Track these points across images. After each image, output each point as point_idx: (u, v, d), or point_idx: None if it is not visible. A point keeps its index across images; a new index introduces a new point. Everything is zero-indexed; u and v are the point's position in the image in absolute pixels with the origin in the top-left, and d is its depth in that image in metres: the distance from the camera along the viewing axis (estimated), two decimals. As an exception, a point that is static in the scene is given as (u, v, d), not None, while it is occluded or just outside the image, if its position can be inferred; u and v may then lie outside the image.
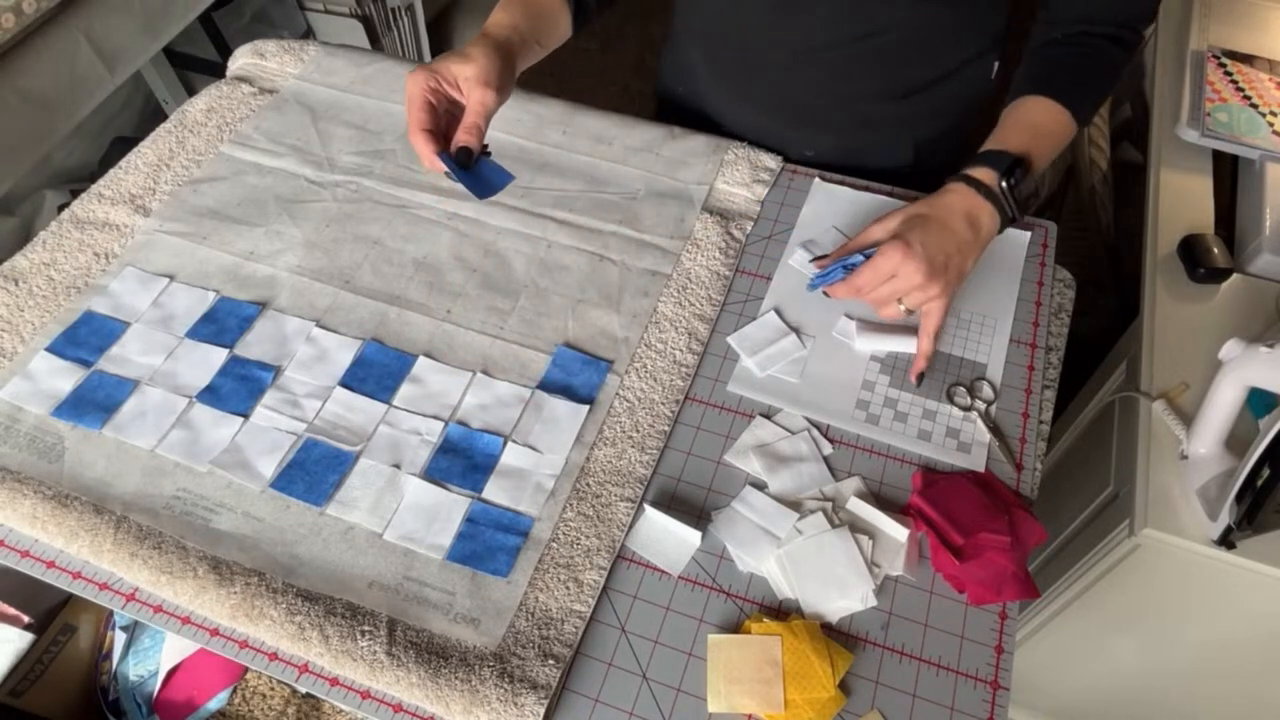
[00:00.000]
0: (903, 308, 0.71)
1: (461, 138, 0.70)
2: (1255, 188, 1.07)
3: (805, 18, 0.81)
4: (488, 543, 0.64)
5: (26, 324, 0.76)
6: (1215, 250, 1.01)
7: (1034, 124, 0.76)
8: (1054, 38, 0.79)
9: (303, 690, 0.65)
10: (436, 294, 0.79)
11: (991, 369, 0.75)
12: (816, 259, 0.78)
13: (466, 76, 0.70)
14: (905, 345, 0.76)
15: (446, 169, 0.70)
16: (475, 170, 0.71)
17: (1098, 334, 1.19)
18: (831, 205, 0.87)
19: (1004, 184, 0.71)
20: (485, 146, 0.72)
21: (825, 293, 0.75)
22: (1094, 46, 0.77)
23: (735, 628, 0.61)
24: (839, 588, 0.62)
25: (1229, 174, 1.13)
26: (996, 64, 0.90)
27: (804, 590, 0.62)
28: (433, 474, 0.68)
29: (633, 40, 2.57)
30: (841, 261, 0.73)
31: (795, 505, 0.66)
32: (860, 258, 0.72)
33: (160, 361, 0.74)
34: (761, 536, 0.65)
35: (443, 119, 0.71)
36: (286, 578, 0.62)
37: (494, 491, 0.67)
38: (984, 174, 0.72)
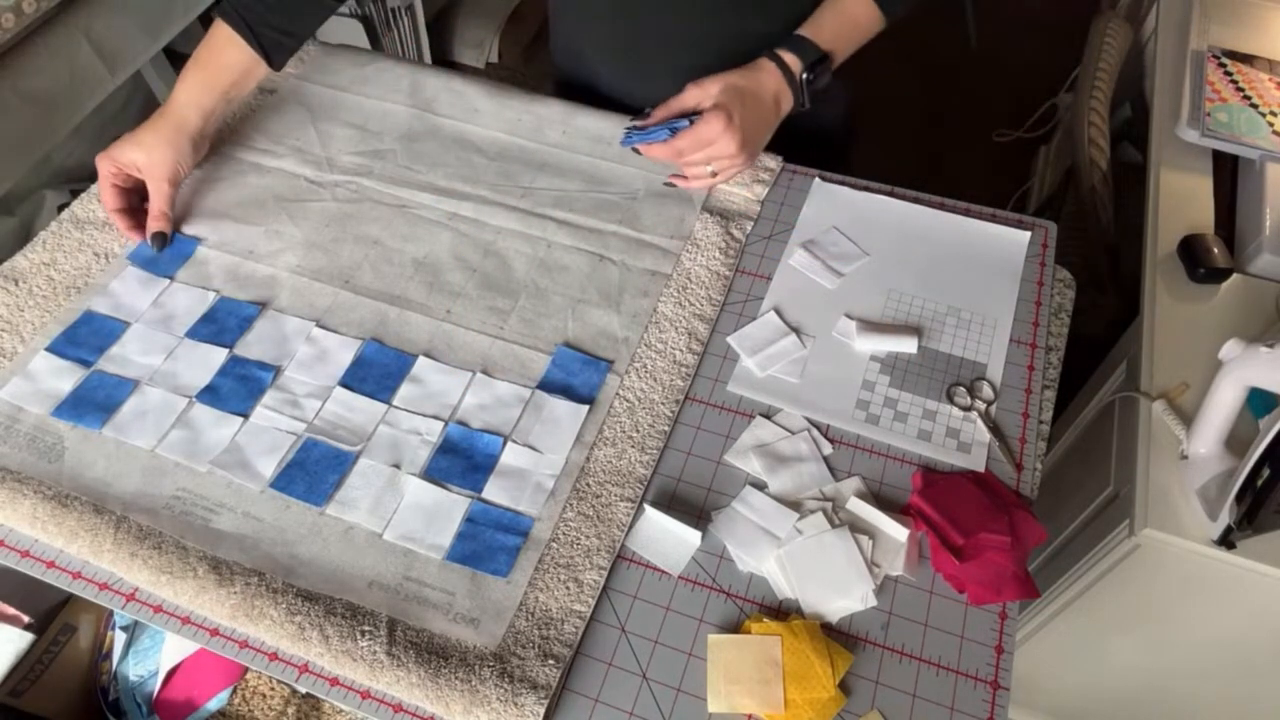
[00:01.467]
0: (709, 171, 0.81)
1: (153, 225, 0.80)
2: (1255, 188, 1.07)
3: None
4: (488, 543, 0.64)
5: (26, 324, 0.76)
6: (1215, 250, 1.01)
7: (844, 17, 0.83)
8: None
9: (303, 690, 0.65)
10: (436, 294, 0.79)
11: (991, 369, 0.75)
12: (636, 120, 0.82)
13: (141, 168, 0.80)
14: (905, 345, 0.76)
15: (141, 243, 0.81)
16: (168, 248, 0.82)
17: (1098, 334, 1.19)
18: (831, 205, 0.87)
19: (804, 75, 0.81)
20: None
21: (636, 150, 0.82)
22: None
23: (735, 628, 0.61)
24: (839, 588, 0.62)
25: (1229, 174, 1.13)
26: None
27: (804, 590, 0.62)
28: (433, 474, 0.68)
29: (633, 40, 2.56)
30: (666, 124, 0.79)
31: (795, 505, 0.66)
32: (685, 122, 0.78)
33: (160, 361, 0.74)
34: (761, 536, 0.65)
35: (134, 194, 0.82)
36: (286, 578, 0.62)
37: (494, 491, 0.67)
38: (792, 60, 0.81)
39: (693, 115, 0.79)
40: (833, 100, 0.94)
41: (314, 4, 0.86)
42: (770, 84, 0.80)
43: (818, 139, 0.94)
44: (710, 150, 0.78)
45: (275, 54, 0.85)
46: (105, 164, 0.80)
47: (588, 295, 0.79)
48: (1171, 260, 1.03)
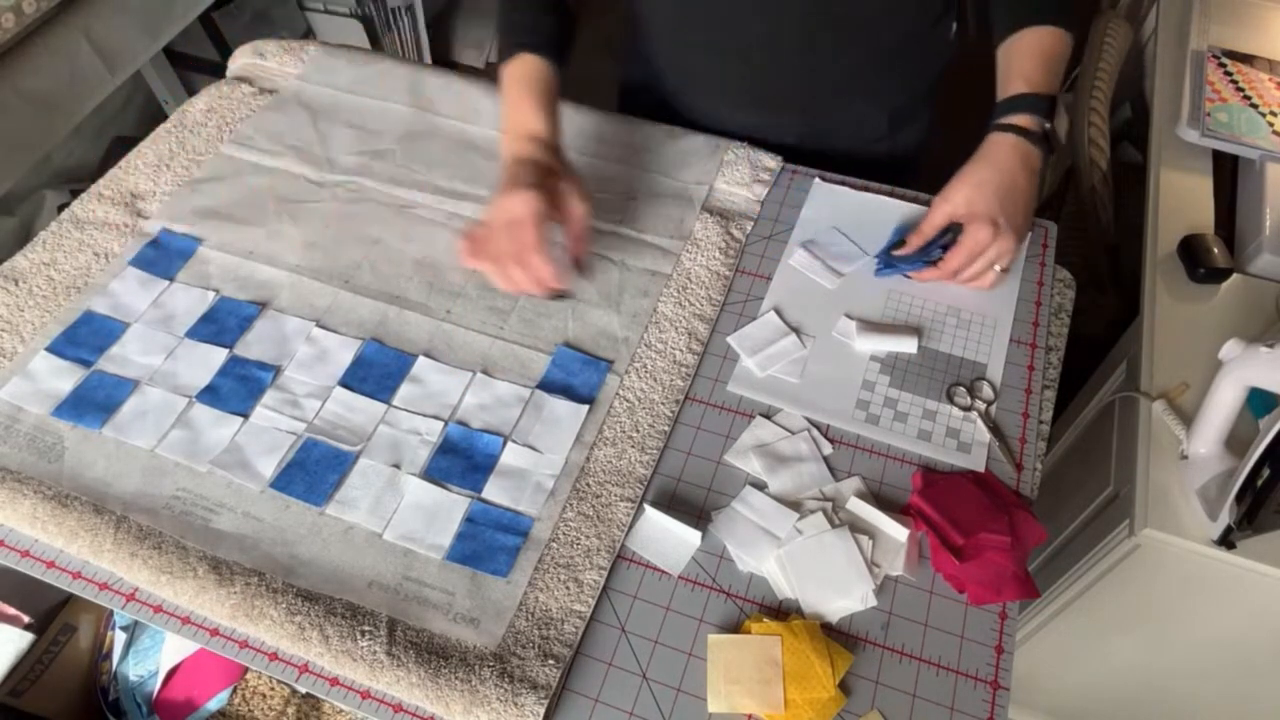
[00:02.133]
0: (998, 269, 0.76)
1: (579, 248, 0.75)
2: (1255, 188, 1.07)
3: None
4: (487, 543, 0.64)
5: (26, 324, 0.76)
6: (1215, 250, 1.01)
7: (1043, 54, 0.77)
8: None
9: (303, 690, 0.65)
10: (436, 294, 0.79)
11: (991, 369, 0.75)
12: (891, 248, 0.80)
13: (567, 190, 0.73)
14: (905, 345, 0.76)
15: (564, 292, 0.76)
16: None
17: (1098, 334, 1.19)
18: (832, 205, 0.87)
19: (1046, 125, 0.75)
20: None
21: (906, 275, 0.79)
22: None
23: (735, 628, 0.61)
24: (839, 588, 0.62)
25: (1229, 174, 1.13)
26: (955, 25, 0.91)
27: (804, 590, 0.62)
28: (432, 474, 0.68)
29: (633, 40, 2.56)
30: (923, 256, 0.78)
31: (795, 505, 0.66)
32: (939, 251, 0.77)
33: (160, 361, 0.74)
34: (761, 536, 0.65)
35: None
36: (286, 578, 0.62)
37: (494, 491, 0.67)
38: (1026, 120, 0.75)
39: (949, 231, 0.77)
40: (916, 125, 0.95)
41: (569, 19, 0.85)
42: (1012, 159, 0.74)
43: (895, 164, 0.94)
44: (989, 257, 0.75)
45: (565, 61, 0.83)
46: (540, 203, 0.71)
47: (588, 295, 0.79)
48: (1171, 260, 1.03)
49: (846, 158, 0.92)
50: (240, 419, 0.70)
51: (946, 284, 0.79)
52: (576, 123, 0.93)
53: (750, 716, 0.58)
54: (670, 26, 0.91)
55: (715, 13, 0.85)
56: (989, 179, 0.74)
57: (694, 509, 0.67)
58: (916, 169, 1.01)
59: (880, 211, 0.86)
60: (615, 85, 0.90)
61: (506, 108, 0.78)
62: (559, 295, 0.77)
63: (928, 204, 0.87)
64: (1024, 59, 0.77)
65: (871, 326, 0.77)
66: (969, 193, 0.74)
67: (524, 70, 0.78)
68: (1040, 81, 0.75)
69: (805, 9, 0.81)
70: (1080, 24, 0.81)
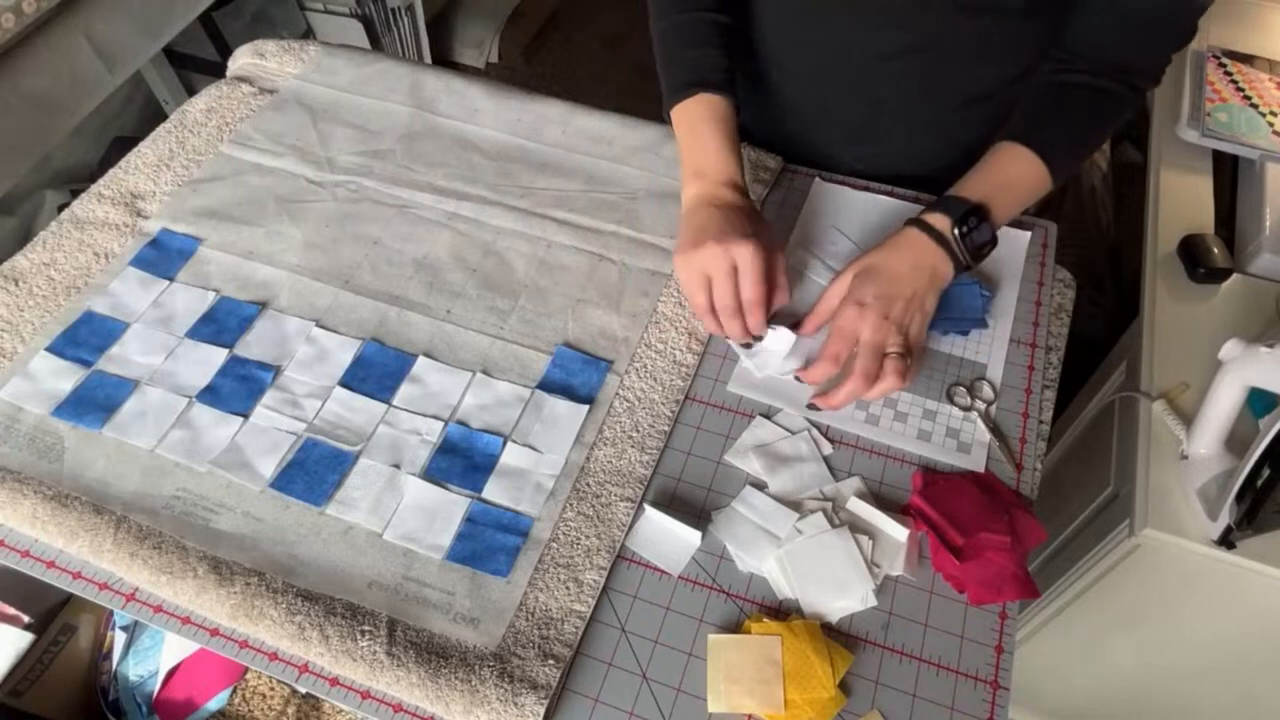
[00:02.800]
0: (893, 352, 0.68)
1: (781, 297, 0.73)
2: (1255, 188, 1.07)
3: (860, 29, 0.79)
4: (487, 543, 0.64)
5: (26, 324, 0.76)
6: (1215, 250, 1.01)
7: (1006, 175, 0.74)
8: (1057, 81, 0.76)
9: (303, 690, 0.65)
10: (436, 294, 0.79)
11: (991, 369, 0.75)
12: (789, 326, 0.75)
13: (769, 245, 0.71)
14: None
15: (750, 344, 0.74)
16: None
17: (1098, 334, 1.19)
18: (831, 205, 0.87)
19: (955, 231, 0.71)
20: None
21: (822, 406, 0.71)
22: (1091, 98, 0.74)
23: (735, 628, 0.61)
24: (839, 588, 0.62)
25: (1229, 174, 1.13)
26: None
27: (804, 590, 0.62)
28: (433, 474, 0.68)
29: (634, 40, 2.57)
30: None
31: (795, 505, 0.66)
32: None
33: (160, 361, 0.74)
34: (761, 536, 0.65)
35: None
36: (286, 578, 0.62)
37: (494, 491, 0.67)
38: (938, 220, 0.72)
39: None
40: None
41: (736, 40, 0.81)
42: (908, 254, 0.71)
43: (926, 183, 0.92)
44: (869, 338, 0.68)
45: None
46: (760, 249, 0.69)
47: (588, 295, 0.79)
48: (1171, 260, 1.03)
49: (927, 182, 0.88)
50: (240, 419, 0.70)
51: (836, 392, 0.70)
52: (576, 123, 0.93)
53: (750, 716, 0.58)
54: (754, 45, 0.89)
55: (800, 39, 0.83)
56: (872, 265, 0.71)
57: (694, 509, 0.67)
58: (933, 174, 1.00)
59: (880, 211, 0.86)
60: (615, 85, 0.90)
61: (694, 148, 0.75)
62: (750, 342, 0.74)
63: (928, 204, 0.87)
64: (985, 170, 0.74)
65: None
66: (854, 275, 0.71)
67: (710, 111, 0.76)
68: (978, 193, 0.72)
69: (893, 45, 0.79)
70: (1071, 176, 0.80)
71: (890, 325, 0.68)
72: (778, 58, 0.88)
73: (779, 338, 0.74)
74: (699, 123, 0.76)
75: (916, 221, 0.72)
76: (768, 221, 0.74)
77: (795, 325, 0.75)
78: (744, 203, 0.74)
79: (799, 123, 0.92)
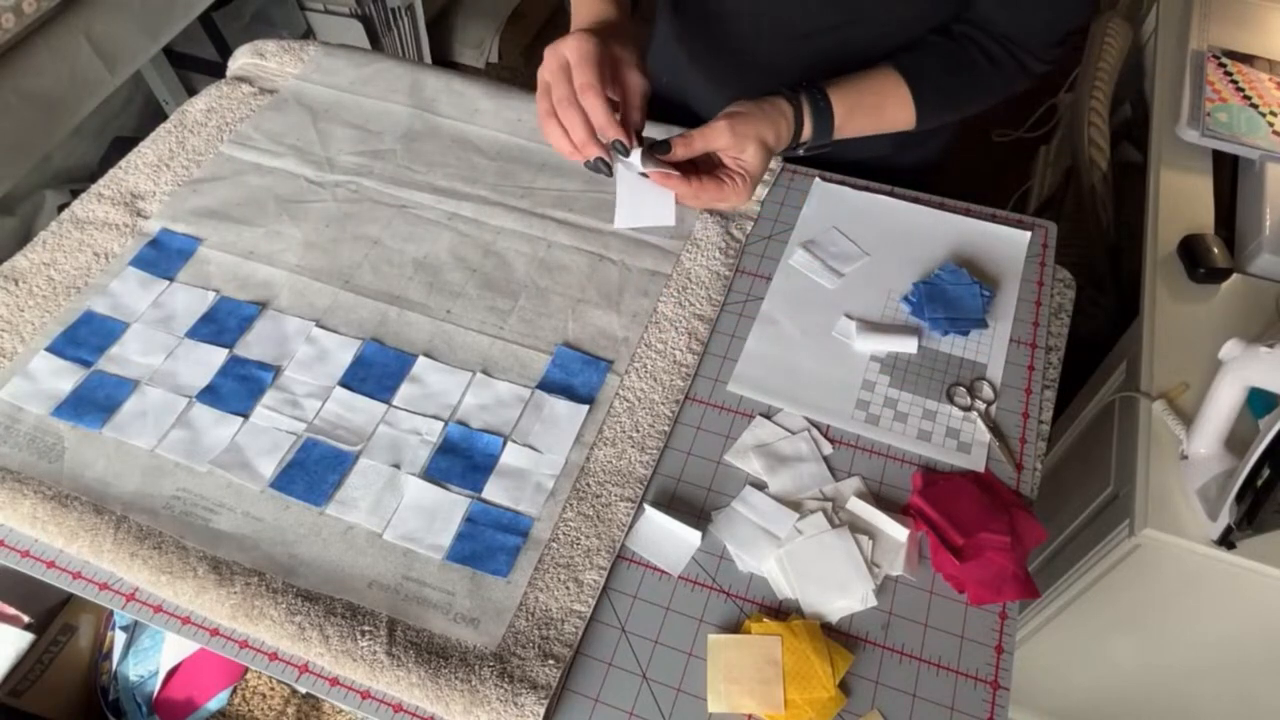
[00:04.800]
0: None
1: (637, 117, 0.73)
2: (1255, 188, 1.07)
3: (787, 7, 0.82)
4: (487, 543, 0.64)
5: (26, 324, 0.76)
6: (1215, 250, 1.01)
7: (881, 114, 0.80)
8: (953, 29, 0.80)
9: (303, 690, 0.65)
10: (436, 294, 0.79)
11: (991, 369, 0.75)
12: (651, 146, 0.76)
13: (624, 59, 0.71)
14: (905, 345, 0.76)
15: (599, 154, 0.70)
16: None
17: (1098, 334, 1.19)
18: (831, 205, 0.87)
19: (804, 147, 0.79)
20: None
21: (643, 174, 0.77)
22: (973, 55, 0.79)
23: (735, 628, 0.61)
24: (839, 588, 0.62)
25: (1229, 174, 1.13)
26: None
27: (804, 590, 0.62)
28: (433, 474, 0.68)
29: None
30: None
31: (795, 505, 0.66)
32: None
33: (160, 361, 0.74)
34: (761, 536, 0.65)
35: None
36: (286, 578, 0.62)
37: (494, 491, 0.67)
38: (809, 132, 0.78)
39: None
40: (932, 142, 0.96)
41: None
42: (784, 136, 0.78)
43: (913, 174, 0.94)
44: (721, 203, 0.78)
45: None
46: (595, 45, 0.68)
47: (588, 295, 0.79)
48: (1171, 260, 1.03)
49: (860, 167, 0.91)
50: (240, 419, 0.70)
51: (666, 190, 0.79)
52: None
53: (750, 716, 0.58)
54: (687, 31, 0.92)
55: (731, 19, 0.85)
56: (773, 144, 0.77)
57: (694, 509, 0.67)
58: (938, 176, 1.01)
59: (880, 211, 0.86)
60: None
61: (572, 8, 0.77)
62: (602, 164, 0.71)
63: (928, 204, 0.87)
64: (869, 100, 0.79)
65: (871, 326, 0.77)
66: (756, 149, 0.75)
67: None
68: (848, 129, 0.79)
69: (819, 22, 0.82)
70: (940, 119, 0.85)
71: (746, 192, 0.78)
72: (698, 39, 0.92)
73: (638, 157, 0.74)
74: None
75: (798, 114, 0.78)
76: (630, 51, 0.72)
77: (663, 144, 0.77)
78: (598, 31, 0.71)
79: (719, 96, 0.94)
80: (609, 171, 0.72)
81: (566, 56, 0.69)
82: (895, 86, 0.79)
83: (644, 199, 0.79)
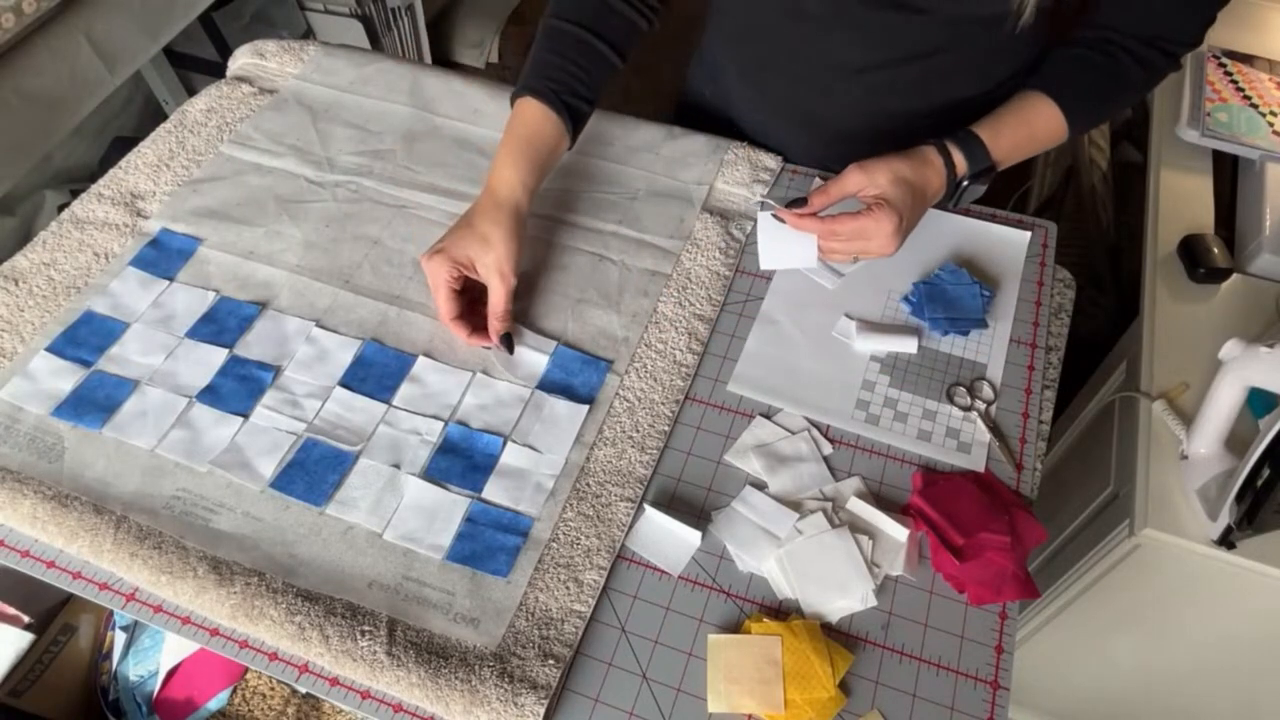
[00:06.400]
0: (850, 258, 0.77)
1: (499, 326, 0.73)
2: (1255, 188, 1.07)
3: (842, 37, 0.80)
4: (487, 543, 0.64)
5: (26, 324, 0.76)
6: (1215, 250, 1.01)
7: (1030, 129, 0.77)
8: (1085, 38, 0.77)
9: (303, 690, 0.65)
10: (436, 294, 0.79)
11: (991, 369, 0.75)
12: (791, 203, 0.77)
13: (486, 264, 0.72)
14: (905, 345, 0.76)
15: (493, 349, 0.74)
16: (515, 350, 0.75)
17: (1098, 334, 1.19)
18: (831, 205, 0.87)
19: (965, 183, 0.76)
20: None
21: (778, 217, 0.76)
22: (1118, 60, 0.75)
23: (735, 628, 0.61)
24: (839, 588, 0.62)
25: (1229, 174, 1.13)
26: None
27: (804, 590, 0.62)
28: (432, 474, 0.68)
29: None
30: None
31: (795, 505, 0.66)
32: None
33: (160, 361, 0.74)
34: (761, 536, 0.65)
35: (463, 299, 0.74)
36: (286, 578, 0.62)
37: (494, 491, 0.67)
38: (960, 162, 0.75)
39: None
40: None
41: (608, 70, 0.81)
42: (935, 181, 0.74)
43: None
44: (865, 245, 0.73)
45: (578, 127, 0.80)
46: (443, 269, 0.71)
47: (588, 295, 0.79)
48: (1171, 260, 1.03)
49: None
50: (240, 419, 0.70)
51: (807, 234, 0.76)
52: (576, 123, 0.93)
53: (750, 716, 0.58)
54: (739, 50, 0.90)
55: (785, 44, 0.84)
56: (913, 183, 0.73)
57: (694, 509, 0.67)
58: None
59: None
60: (615, 85, 0.90)
61: (496, 153, 0.76)
62: (503, 347, 0.75)
63: (956, 134, 0.85)
64: (1009, 119, 0.77)
65: (871, 326, 0.77)
66: (890, 180, 0.72)
67: (522, 118, 0.77)
68: (1002, 148, 0.76)
69: (874, 56, 0.80)
70: (1089, 127, 0.82)
71: (891, 250, 0.73)
72: (749, 60, 0.90)
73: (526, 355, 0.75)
74: (508, 128, 0.77)
75: (943, 150, 0.75)
76: (504, 245, 0.72)
77: (802, 201, 0.76)
78: (484, 213, 0.73)
79: (761, 111, 0.94)
80: (510, 349, 0.74)
81: (430, 281, 0.73)
82: (1036, 100, 0.76)
83: (786, 243, 0.77)
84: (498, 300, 0.73)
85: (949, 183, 0.75)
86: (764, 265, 0.78)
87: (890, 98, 0.84)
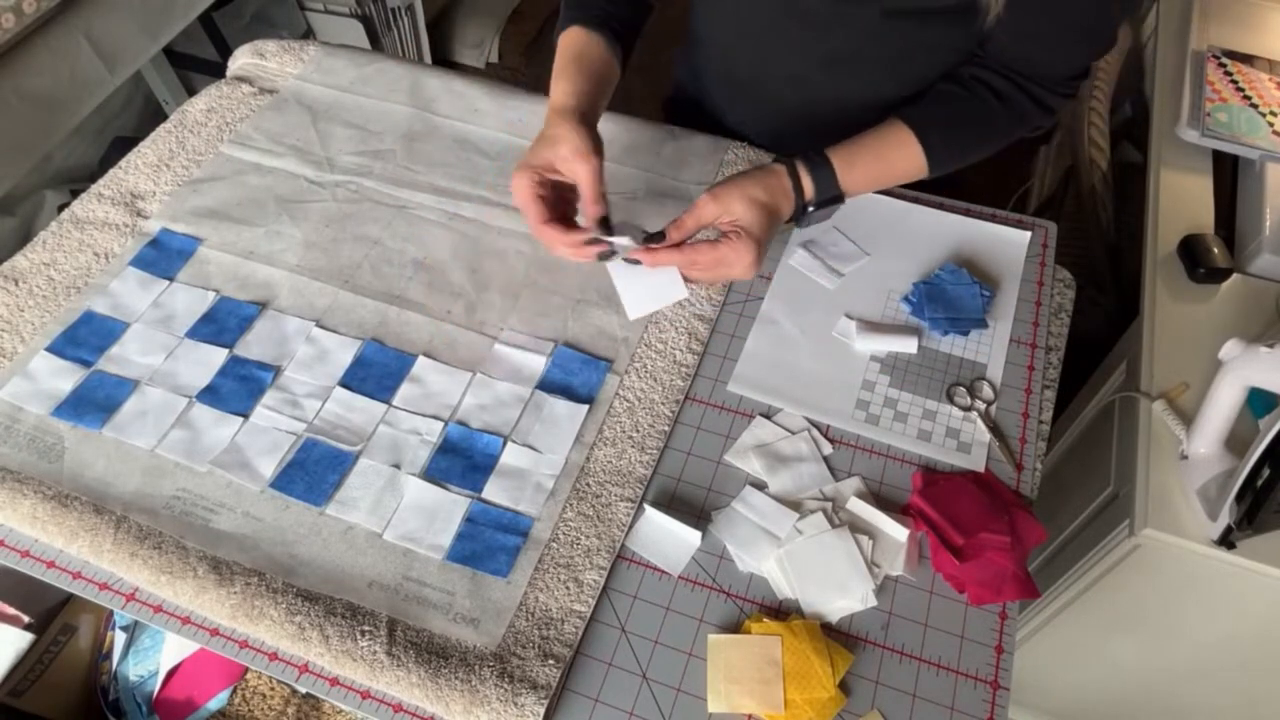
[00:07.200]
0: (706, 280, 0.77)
1: (593, 210, 0.72)
2: (1255, 188, 1.07)
3: (811, 32, 0.80)
4: (487, 543, 0.64)
5: (26, 324, 0.76)
6: (1215, 250, 1.01)
7: (887, 164, 0.78)
8: (962, 74, 0.78)
9: (303, 690, 0.65)
10: (436, 294, 0.79)
11: (991, 369, 0.75)
12: (647, 238, 0.75)
13: (563, 157, 0.71)
14: (905, 345, 0.76)
15: (603, 248, 0.72)
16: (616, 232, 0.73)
17: (1098, 334, 1.19)
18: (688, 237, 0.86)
19: (810, 208, 0.76)
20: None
21: (631, 259, 0.75)
22: (984, 100, 0.76)
23: (735, 628, 0.61)
24: (839, 588, 0.62)
25: (1229, 174, 1.13)
26: None
27: (804, 590, 0.62)
28: (432, 474, 0.68)
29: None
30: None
31: (795, 505, 0.66)
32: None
33: (160, 361, 0.74)
34: (761, 536, 0.65)
35: (555, 203, 0.73)
36: (286, 578, 0.62)
37: (494, 491, 0.67)
38: (809, 188, 0.75)
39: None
40: None
41: (642, 7, 0.84)
42: (785, 206, 0.75)
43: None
44: (728, 270, 0.73)
45: (624, 51, 0.82)
46: (525, 182, 0.71)
47: (587, 295, 0.79)
48: (1171, 260, 1.03)
49: None
50: (240, 419, 0.70)
51: (668, 268, 0.75)
52: (576, 123, 0.93)
53: (750, 716, 0.58)
54: (715, 44, 0.91)
55: (758, 39, 0.85)
56: (768, 206, 0.73)
57: (694, 509, 0.67)
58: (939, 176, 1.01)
59: (880, 211, 0.86)
60: (619, 88, 0.90)
61: (552, 81, 0.77)
62: (603, 256, 0.74)
63: (928, 204, 0.87)
64: (865, 152, 0.77)
65: (871, 326, 0.77)
66: (745, 207, 0.72)
67: (571, 46, 0.78)
68: (853, 179, 0.76)
69: (843, 47, 0.80)
70: (950, 170, 0.81)
71: (749, 275, 0.74)
72: (720, 67, 0.91)
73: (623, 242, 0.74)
74: (558, 55, 0.78)
75: (793, 174, 0.75)
76: (577, 139, 0.71)
77: (658, 235, 0.75)
78: (552, 127, 0.73)
79: (744, 106, 0.95)
80: (609, 231, 0.73)
81: (516, 197, 0.73)
82: (898, 134, 0.77)
83: (648, 285, 0.76)
84: (586, 184, 0.71)
85: (796, 206, 0.75)
86: (631, 315, 0.76)
87: (859, 88, 0.84)
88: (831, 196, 0.76)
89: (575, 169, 0.71)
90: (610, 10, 0.80)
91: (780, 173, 0.75)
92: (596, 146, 0.72)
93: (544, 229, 0.72)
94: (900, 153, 0.77)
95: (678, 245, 0.74)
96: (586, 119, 0.73)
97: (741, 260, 0.72)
